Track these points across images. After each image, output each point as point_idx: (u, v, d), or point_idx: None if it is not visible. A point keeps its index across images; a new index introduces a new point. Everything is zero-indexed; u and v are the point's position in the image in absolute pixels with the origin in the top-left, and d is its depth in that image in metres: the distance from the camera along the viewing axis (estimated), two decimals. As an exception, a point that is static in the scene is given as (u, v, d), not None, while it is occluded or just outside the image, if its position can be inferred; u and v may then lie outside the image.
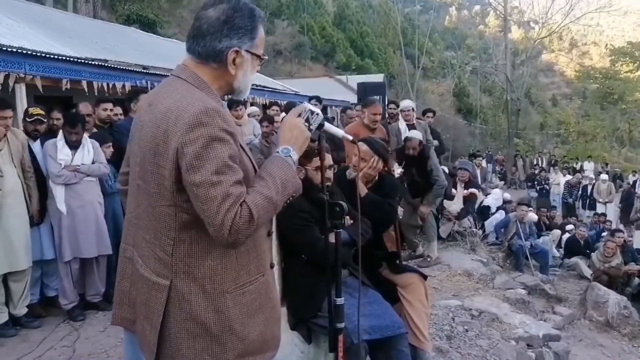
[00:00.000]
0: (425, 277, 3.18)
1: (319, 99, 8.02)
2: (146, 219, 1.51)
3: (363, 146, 3.19)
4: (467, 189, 7.48)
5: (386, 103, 9.21)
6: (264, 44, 1.58)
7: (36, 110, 4.42)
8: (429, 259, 5.96)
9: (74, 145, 4.27)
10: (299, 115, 1.67)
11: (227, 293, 1.46)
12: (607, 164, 23.06)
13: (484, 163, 16.93)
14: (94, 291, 4.47)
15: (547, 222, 11.97)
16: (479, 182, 12.46)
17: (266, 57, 1.60)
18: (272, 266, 1.66)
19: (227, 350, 1.46)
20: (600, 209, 14.95)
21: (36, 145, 4.36)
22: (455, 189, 7.43)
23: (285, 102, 8.57)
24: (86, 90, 6.72)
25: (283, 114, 7.45)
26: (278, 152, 1.51)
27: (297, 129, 1.59)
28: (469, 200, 7.46)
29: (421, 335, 3.00)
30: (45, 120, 4.49)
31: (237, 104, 6.54)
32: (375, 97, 9.47)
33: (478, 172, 12.60)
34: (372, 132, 5.24)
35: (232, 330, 1.46)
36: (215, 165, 1.34)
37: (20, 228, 4.03)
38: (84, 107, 4.85)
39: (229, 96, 1.66)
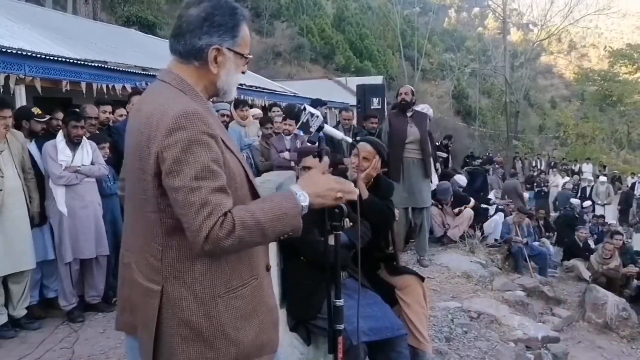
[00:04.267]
0: (422, 278, 3.18)
1: (322, 103, 7.82)
2: (137, 225, 1.51)
3: (367, 146, 3.11)
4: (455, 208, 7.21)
5: (386, 105, 9.23)
6: (248, 43, 1.56)
7: (38, 110, 4.50)
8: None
9: (76, 142, 4.27)
10: (306, 126, 1.66)
11: (218, 297, 1.45)
12: (604, 167, 23.08)
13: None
14: (94, 292, 4.47)
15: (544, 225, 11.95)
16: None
17: (251, 57, 1.58)
18: (268, 268, 1.64)
19: (220, 355, 1.45)
20: (599, 210, 14.96)
21: (32, 146, 4.35)
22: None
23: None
24: (84, 91, 6.73)
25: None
26: (295, 191, 1.46)
27: (329, 195, 1.51)
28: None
29: (421, 337, 3.00)
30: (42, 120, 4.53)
31: (242, 104, 6.52)
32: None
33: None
34: None
35: (225, 334, 1.45)
36: (194, 170, 1.32)
37: (22, 229, 4.02)
38: (91, 110, 4.83)
39: (215, 98, 1.64)
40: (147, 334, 1.48)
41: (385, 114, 7.58)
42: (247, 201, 1.48)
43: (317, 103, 7.23)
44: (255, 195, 1.56)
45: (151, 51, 12.40)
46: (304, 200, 1.44)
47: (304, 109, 1.80)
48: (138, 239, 1.51)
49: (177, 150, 1.33)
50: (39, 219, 4.23)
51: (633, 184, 16.76)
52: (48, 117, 4.53)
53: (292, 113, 6.19)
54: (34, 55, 6.13)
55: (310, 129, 1.79)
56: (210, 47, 1.47)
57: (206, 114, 1.42)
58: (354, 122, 7.49)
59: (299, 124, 1.81)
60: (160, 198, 1.40)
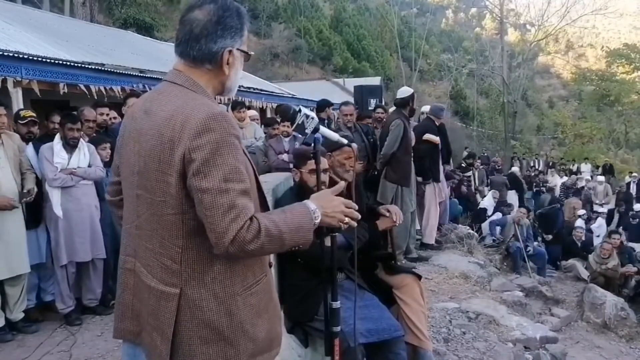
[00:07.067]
0: (419, 276, 3.17)
1: (329, 104, 7.55)
2: (149, 229, 1.48)
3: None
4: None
5: (382, 104, 9.24)
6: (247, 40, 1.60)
7: (28, 113, 4.46)
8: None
9: (73, 144, 4.26)
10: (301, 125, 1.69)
11: (237, 295, 1.46)
12: (597, 167, 23.09)
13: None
14: (91, 295, 4.46)
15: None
16: (476, 185, 12.44)
17: (252, 53, 1.62)
18: (270, 265, 1.67)
19: (240, 352, 1.46)
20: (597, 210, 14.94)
21: (29, 149, 4.33)
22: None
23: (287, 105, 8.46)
24: (87, 93, 6.74)
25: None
26: (311, 207, 1.50)
27: (337, 217, 1.57)
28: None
29: (421, 334, 2.98)
30: (38, 122, 4.51)
31: (240, 105, 6.51)
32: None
33: (476, 174, 12.59)
34: None
35: (244, 331, 1.47)
36: (223, 172, 1.34)
37: (17, 233, 4.01)
38: (89, 112, 4.82)
39: (219, 96, 1.65)
40: (163, 339, 1.46)
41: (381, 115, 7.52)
42: (256, 203, 1.50)
43: (323, 103, 7.21)
44: (262, 197, 1.58)
45: (149, 53, 12.41)
46: (317, 218, 1.50)
47: (299, 110, 1.80)
48: (149, 243, 1.49)
49: (206, 152, 1.34)
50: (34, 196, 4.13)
51: (628, 184, 16.73)
52: (28, 119, 4.40)
53: (287, 115, 6.14)
54: (30, 57, 6.12)
55: (306, 131, 1.79)
56: (224, 49, 1.49)
57: (230, 116, 1.44)
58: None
59: (294, 125, 1.81)
60: (185, 199, 1.40)
